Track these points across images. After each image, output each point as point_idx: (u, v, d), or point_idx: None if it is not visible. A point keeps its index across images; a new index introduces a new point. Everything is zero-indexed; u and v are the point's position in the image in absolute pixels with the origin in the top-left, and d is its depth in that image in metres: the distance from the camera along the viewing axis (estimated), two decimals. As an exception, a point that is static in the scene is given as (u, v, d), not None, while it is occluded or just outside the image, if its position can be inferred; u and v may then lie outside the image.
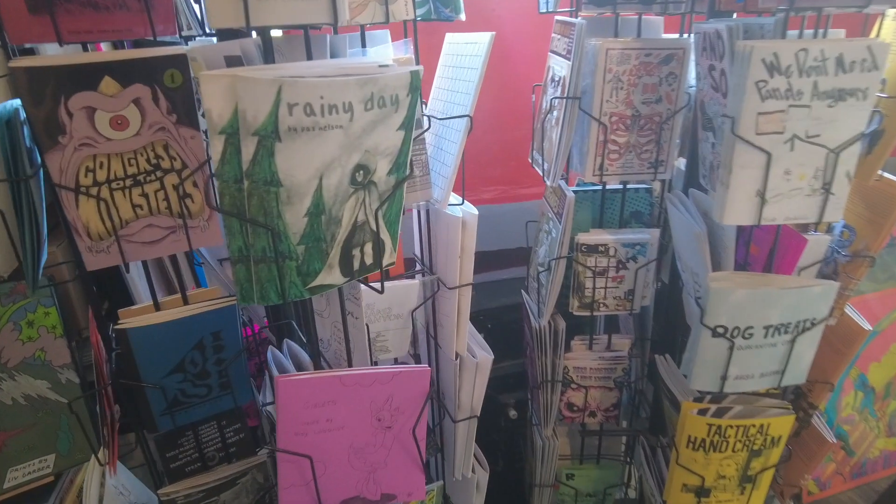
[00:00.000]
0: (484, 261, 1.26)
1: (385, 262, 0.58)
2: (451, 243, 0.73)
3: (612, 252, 0.86)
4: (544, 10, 0.84)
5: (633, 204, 0.92)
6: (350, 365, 0.65)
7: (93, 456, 0.76)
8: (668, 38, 0.83)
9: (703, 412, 0.79)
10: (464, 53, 0.74)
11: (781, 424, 0.78)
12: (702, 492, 0.82)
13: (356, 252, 0.54)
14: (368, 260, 0.56)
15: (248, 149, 0.42)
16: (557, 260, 0.83)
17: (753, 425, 0.77)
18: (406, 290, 0.78)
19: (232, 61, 0.54)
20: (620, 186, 0.89)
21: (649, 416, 1.05)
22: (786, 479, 0.96)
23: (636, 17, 0.83)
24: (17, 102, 0.61)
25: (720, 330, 0.73)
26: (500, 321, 1.20)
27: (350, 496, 0.66)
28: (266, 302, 0.51)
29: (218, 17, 0.45)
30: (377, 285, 0.60)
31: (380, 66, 0.46)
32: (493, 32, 0.69)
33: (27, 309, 0.81)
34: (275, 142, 0.43)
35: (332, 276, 0.54)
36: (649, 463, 0.96)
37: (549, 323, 0.89)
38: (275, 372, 0.69)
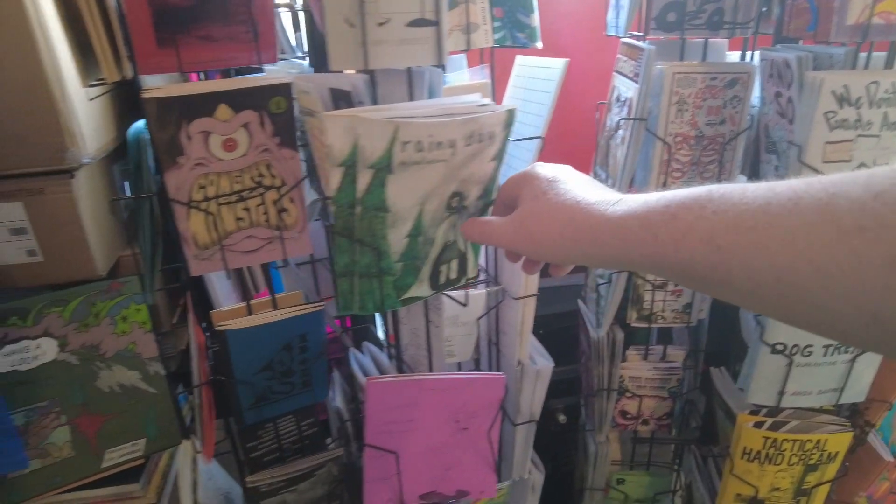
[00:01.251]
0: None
1: (468, 276, 0.63)
2: (519, 255, 0.78)
3: (671, 267, 0.89)
4: (612, 34, 0.88)
5: (691, 220, 0.94)
6: (430, 369, 0.71)
7: (185, 443, 0.83)
8: (733, 62, 0.86)
9: (758, 425, 0.81)
10: (537, 76, 0.79)
11: (839, 441, 0.80)
12: (755, 502, 0.85)
13: (443, 268, 0.60)
14: (453, 275, 0.61)
15: (364, 180, 0.48)
16: (619, 273, 0.87)
17: (810, 440, 0.80)
18: (475, 300, 0.83)
19: (338, 94, 0.59)
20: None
21: (700, 426, 1.07)
22: (839, 496, 0.97)
23: (702, 40, 0.85)
24: (138, 125, 0.68)
25: (779, 347, 0.76)
26: (551, 328, 1.24)
27: (427, 491, 0.71)
28: (364, 312, 0.57)
29: (339, 61, 0.51)
30: (457, 295, 0.65)
31: (479, 105, 0.51)
32: (568, 59, 0.73)
33: (122, 305, 0.89)
34: (387, 174, 0.48)
35: (421, 289, 0.59)
36: (700, 472, 0.99)
37: (607, 333, 0.93)
38: (360, 374, 0.75)
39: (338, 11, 0.49)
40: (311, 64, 0.74)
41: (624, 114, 0.84)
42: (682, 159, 0.85)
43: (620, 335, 0.93)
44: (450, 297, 0.66)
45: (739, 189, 0.35)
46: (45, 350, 0.84)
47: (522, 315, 0.81)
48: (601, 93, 0.97)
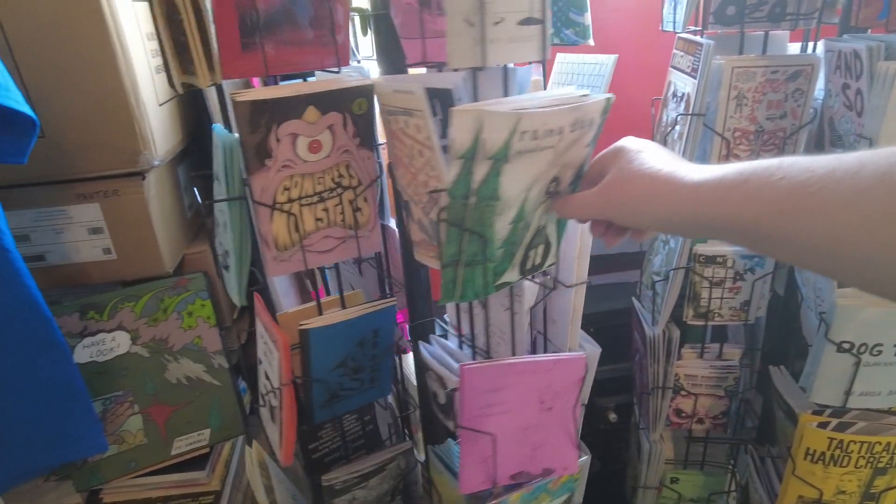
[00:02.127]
0: (592, 265, 1.30)
1: (549, 262, 0.64)
2: (570, 245, 0.78)
3: (729, 263, 0.88)
4: (669, 30, 0.87)
5: (749, 216, 0.92)
6: (513, 354, 0.72)
7: (249, 449, 0.86)
8: (795, 54, 0.84)
9: (823, 425, 0.79)
10: (583, 73, 0.79)
11: (909, 443, 0.78)
12: (819, 505, 0.83)
13: (532, 253, 0.61)
14: (538, 260, 0.63)
15: (481, 170, 0.50)
16: (676, 270, 0.86)
17: (879, 442, 0.77)
18: (528, 289, 0.83)
19: (432, 93, 0.58)
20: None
21: (757, 427, 1.05)
22: (906, 500, 0.93)
23: (762, 33, 0.84)
24: (219, 129, 0.71)
25: (846, 345, 0.74)
26: (603, 325, 1.23)
27: (517, 471, 0.73)
28: (464, 300, 0.59)
29: (458, 59, 0.53)
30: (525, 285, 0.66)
31: (581, 95, 0.54)
32: (617, 55, 0.72)
33: (188, 301, 0.93)
34: (504, 164, 0.50)
35: (512, 274, 0.61)
36: (759, 472, 0.97)
37: (663, 331, 0.92)
38: (436, 365, 0.76)
39: (459, 12, 0.50)
40: (381, 66, 0.74)
41: (681, 109, 0.83)
42: (740, 155, 0.83)
43: (676, 333, 0.92)
44: (532, 281, 0.67)
45: (808, 160, 0.38)
46: (119, 342, 0.89)
47: (573, 303, 0.80)
48: (655, 89, 0.96)
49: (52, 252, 0.85)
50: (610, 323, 1.24)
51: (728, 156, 0.82)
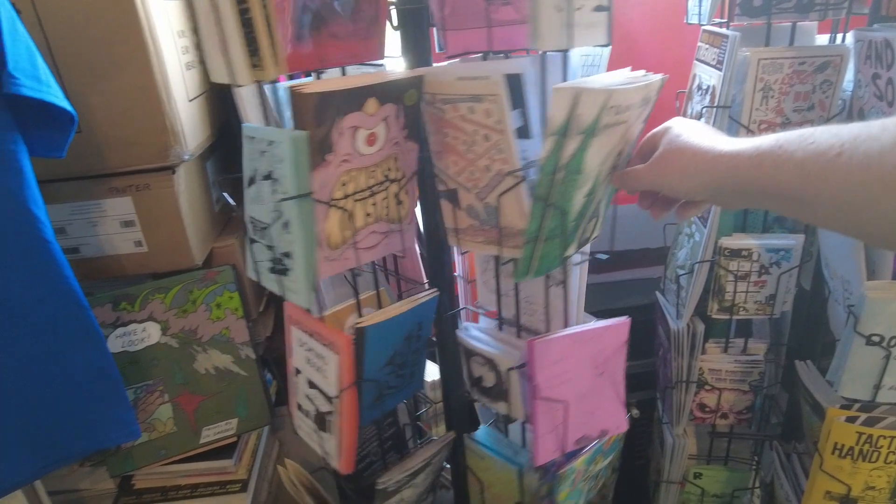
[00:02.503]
0: (611, 261, 1.29)
1: (595, 234, 0.67)
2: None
3: (755, 256, 0.87)
4: (694, 22, 0.87)
5: (775, 209, 0.92)
6: (549, 329, 0.75)
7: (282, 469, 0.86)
8: (823, 45, 0.83)
9: (851, 420, 0.78)
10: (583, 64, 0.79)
11: (941, 439, 0.76)
12: (847, 501, 0.82)
13: (588, 225, 0.64)
14: (588, 233, 0.65)
15: (571, 146, 0.53)
16: (701, 263, 0.86)
17: (910, 437, 0.76)
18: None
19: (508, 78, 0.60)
20: (763, 192, 0.89)
21: (782, 423, 1.04)
22: (937, 497, 0.92)
23: (789, 24, 0.83)
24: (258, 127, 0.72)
25: (875, 339, 0.73)
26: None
27: (580, 436, 0.76)
28: (538, 275, 0.61)
29: (548, 41, 0.56)
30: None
31: (643, 75, 0.59)
32: (609, 46, 0.71)
33: (216, 293, 0.95)
34: (591, 138, 0.54)
35: (574, 247, 0.64)
36: (784, 469, 0.96)
37: (687, 325, 0.92)
38: (484, 347, 0.79)
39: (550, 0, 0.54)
40: (408, 60, 0.74)
41: (706, 102, 0.83)
42: (767, 147, 0.83)
43: (701, 327, 0.92)
44: (583, 254, 0.69)
45: (838, 127, 0.42)
46: (150, 333, 0.91)
47: (581, 277, 0.78)
48: (679, 83, 0.95)
49: (86, 245, 0.87)
50: (633, 319, 1.23)
51: (754, 148, 0.82)
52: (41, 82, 0.65)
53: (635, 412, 1.24)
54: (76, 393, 0.74)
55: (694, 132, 0.55)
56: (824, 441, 0.80)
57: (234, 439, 0.97)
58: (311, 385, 0.73)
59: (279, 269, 0.63)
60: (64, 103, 0.67)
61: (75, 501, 0.93)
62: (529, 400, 0.71)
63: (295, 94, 0.54)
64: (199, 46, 0.94)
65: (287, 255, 0.61)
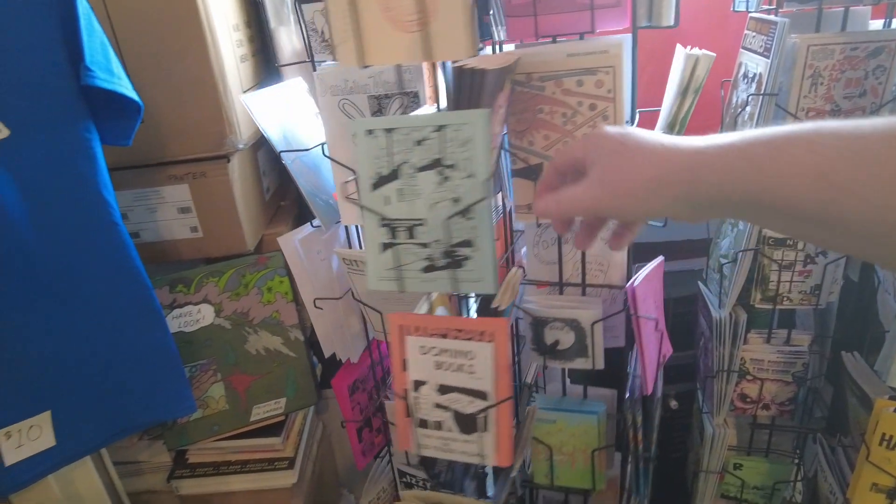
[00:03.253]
0: (652, 252, 1.29)
1: None
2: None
3: (800, 246, 0.86)
4: (742, 9, 0.86)
5: (822, 199, 0.91)
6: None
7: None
8: (877, 30, 0.81)
9: (900, 412, 0.77)
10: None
11: None
12: (894, 493, 0.81)
13: None
14: None
15: (687, 102, 0.67)
16: (745, 252, 0.85)
17: (960, 429, 0.75)
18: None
19: None
20: (810, 181, 0.88)
21: (826, 416, 1.03)
22: None
23: (841, 9, 0.82)
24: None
25: (927, 329, 0.72)
26: (667, 312, 1.22)
27: (662, 360, 0.87)
28: None
29: (663, 19, 0.68)
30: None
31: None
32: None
33: (267, 277, 0.99)
34: (697, 97, 0.67)
35: None
36: (829, 462, 0.95)
37: (729, 314, 0.91)
38: (565, 305, 0.85)
39: None
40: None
41: (752, 90, 0.82)
42: (815, 135, 0.82)
43: (744, 316, 0.91)
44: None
45: (851, 125, 0.32)
46: (204, 315, 0.96)
47: None
48: (723, 73, 0.95)
49: (146, 230, 0.92)
50: (673, 311, 1.23)
51: (802, 136, 0.81)
52: (113, 74, 0.69)
53: (674, 403, 1.24)
54: (139, 367, 0.78)
55: (641, 133, 0.42)
56: (871, 432, 0.79)
57: (282, 418, 1.01)
58: (446, 390, 0.69)
59: (452, 261, 0.60)
60: (133, 94, 0.72)
61: (134, 472, 0.98)
62: (639, 336, 0.76)
63: (471, 71, 0.54)
64: (252, 40, 0.98)
65: (465, 243, 0.59)
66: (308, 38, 0.85)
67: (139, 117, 0.75)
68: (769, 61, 0.78)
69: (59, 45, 0.65)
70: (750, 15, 0.85)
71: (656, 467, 1.01)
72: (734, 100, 0.89)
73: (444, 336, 0.66)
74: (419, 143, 0.56)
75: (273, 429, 1.01)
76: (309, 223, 0.97)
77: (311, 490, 1.09)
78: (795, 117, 0.81)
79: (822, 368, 1.00)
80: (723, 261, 0.92)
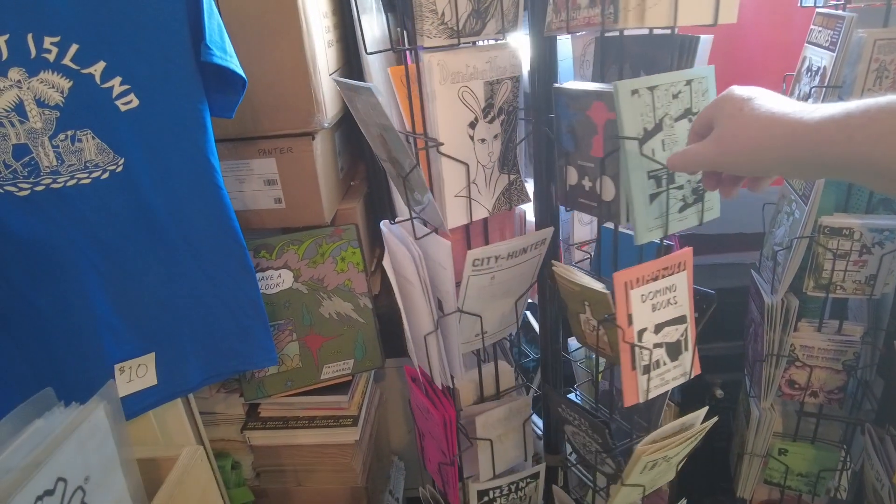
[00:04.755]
0: (705, 244, 1.32)
1: None
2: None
3: (856, 236, 0.89)
4: (809, 5, 0.89)
5: (881, 192, 0.93)
6: None
7: None
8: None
9: (951, 399, 0.79)
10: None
11: None
12: (942, 478, 0.83)
13: None
14: None
15: None
16: (800, 239, 0.88)
17: None
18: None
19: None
20: (870, 174, 0.91)
21: (875, 409, 1.04)
22: None
23: (908, 6, 0.84)
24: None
25: (982, 317, 0.74)
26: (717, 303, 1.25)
27: None
28: None
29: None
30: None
31: None
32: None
33: (342, 248, 1.07)
34: None
35: None
36: (877, 450, 0.97)
37: (781, 300, 0.94)
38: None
39: None
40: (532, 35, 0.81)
41: (815, 83, 0.85)
42: (876, 128, 0.84)
43: (795, 302, 0.94)
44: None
45: None
46: (284, 279, 1.04)
47: None
48: (786, 67, 0.98)
49: (235, 199, 1.00)
50: (723, 301, 1.25)
51: (863, 128, 0.84)
52: (227, 53, 0.78)
53: (720, 392, 1.27)
54: (234, 318, 0.87)
55: (762, 101, 0.49)
56: (921, 418, 0.81)
57: (349, 378, 1.09)
58: (660, 328, 0.76)
59: (697, 197, 0.73)
60: (241, 71, 0.80)
61: (211, 422, 1.07)
62: None
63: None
64: (337, 27, 1.05)
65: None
66: (408, 23, 0.77)
67: (243, 91, 0.83)
68: (834, 55, 0.81)
69: (184, 26, 0.74)
70: (817, 10, 0.88)
71: (699, 455, 1.03)
72: (796, 93, 0.92)
73: (656, 279, 0.73)
74: (675, 96, 0.67)
75: (340, 388, 1.09)
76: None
77: (369, 450, 1.17)
78: (857, 110, 0.84)
79: (873, 359, 1.02)
80: (777, 248, 0.95)
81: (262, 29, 0.88)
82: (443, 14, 0.74)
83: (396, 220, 0.86)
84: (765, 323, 0.97)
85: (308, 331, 1.05)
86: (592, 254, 0.92)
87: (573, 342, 1.03)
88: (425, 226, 0.83)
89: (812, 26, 0.89)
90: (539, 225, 0.88)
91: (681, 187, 0.71)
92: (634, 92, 0.64)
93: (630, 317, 0.73)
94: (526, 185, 0.87)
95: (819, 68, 0.85)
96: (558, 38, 0.80)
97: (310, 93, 0.92)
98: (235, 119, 0.91)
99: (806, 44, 0.91)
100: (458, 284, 0.81)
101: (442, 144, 0.75)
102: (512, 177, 0.84)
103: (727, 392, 1.27)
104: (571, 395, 0.98)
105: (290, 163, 0.99)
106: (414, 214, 0.84)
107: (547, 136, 0.82)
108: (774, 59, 1.16)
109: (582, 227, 0.97)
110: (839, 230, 0.89)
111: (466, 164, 0.78)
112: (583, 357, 1.01)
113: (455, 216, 0.80)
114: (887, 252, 0.89)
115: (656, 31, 0.74)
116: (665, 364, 0.78)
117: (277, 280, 1.04)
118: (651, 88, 0.65)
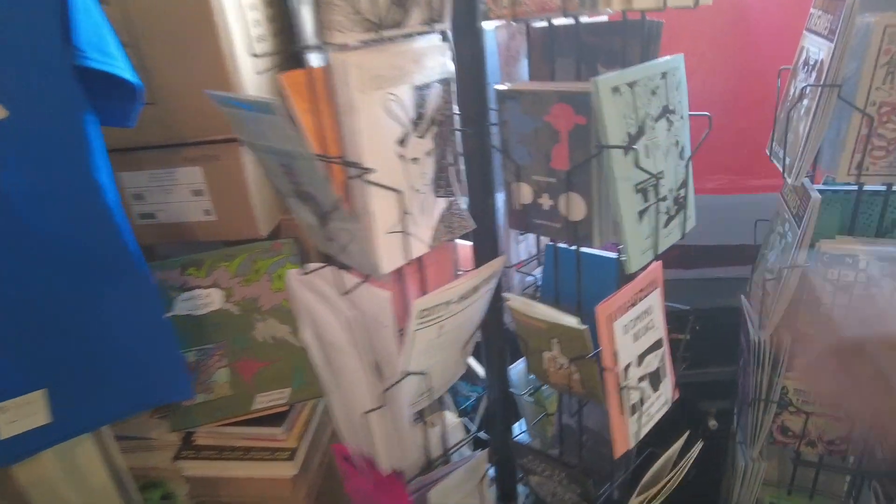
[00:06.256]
0: (701, 256, 1.18)
1: None
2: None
3: (861, 265, 0.74)
4: (806, -17, 0.74)
5: (896, 210, 0.77)
6: None
7: None
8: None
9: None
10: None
11: None
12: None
13: None
14: None
15: None
16: (791, 269, 0.74)
17: None
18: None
19: None
20: (882, 188, 0.75)
21: (886, 459, 0.90)
22: None
23: (930, -15, 0.68)
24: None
25: None
26: (711, 323, 1.11)
27: None
28: None
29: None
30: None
31: None
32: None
33: (279, 264, 0.97)
34: None
35: None
36: (884, 512, 0.83)
37: (771, 337, 0.80)
38: None
39: None
40: None
41: (811, 80, 0.71)
42: (887, 135, 0.69)
43: (787, 340, 0.80)
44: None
45: None
46: (214, 299, 0.95)
47: None
48: (786, 58, 0.83)
49: (161, 211, 0.92)
50: (717, 321, 1.11)
51: (869, 136, 0.69)
52: (108, 55, 0.68)
53: (713, 423, 1.13)
54: (134, 351, 0.78)
55: None
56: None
57: (287, 408, 1.00)
58: (642, 358, 0.69)
59: (679, 206, 0.65)
60: (129, 76, 0.70)
61: (144, 448, 1.00)
62: None
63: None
64: (272, 19, 0.95)
65: (683, 184, 0.63)
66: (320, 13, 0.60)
67: (138, 98, 0.74)
68: (833, 45, 0.67)
69: (54, 25, 0.65)
70: (817, -8, 0.73)
71: (691, 489, 0.90)
72: (791, 91, 0.77)
73: (634, 304, 0.66)
74: (654, 92, 0.57)
75: (279, 418, 1.00)
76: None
77: (318, 481, 1.08)
78: (864, 113, 0.69)
79: (884, 405, 0.87)
80: (767, 276, 0.81)
81: (176, 29, 0.79)
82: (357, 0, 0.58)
83: (307, 268, 0.70)
84: (752, 361, 0.83)
85: (240, 355, 0.96)
86: (538, 277, 0.80)
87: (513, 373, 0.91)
88: (348, 271, 0.67)
89: (812, 9, 0.74)
90: (478, 251, 0.76)
91: (664, 199, 0.61)
92: (616, 90, 0.52)
93: (615, 354, 0.63)
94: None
95: (816, 61, 0.71)
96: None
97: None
98: (156, 125, 0.83)
99: (805, 31, 0.76)
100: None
101: (371, 171, 0.58)
102: (449, 199, 0.72)
103: (722, 422, 1.14)
104: (522, 437, 0.86)
105: (217, 171, 0.90)
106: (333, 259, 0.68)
107: (480, 148, 0.70)
108: (781, 49, 1.00)
109: (515, 244, 0.85)
110: (840, 258, 0.75)
111: (400, 192, 0.61)
112: (528, 389, 0.89)
113: (390, 258, 0.62)
114: (899, 284, 0.74)
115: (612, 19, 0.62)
116: (649, 397, 0.70)
117: (206, 300, 0.95)
118: (631, 85, 0.54)
